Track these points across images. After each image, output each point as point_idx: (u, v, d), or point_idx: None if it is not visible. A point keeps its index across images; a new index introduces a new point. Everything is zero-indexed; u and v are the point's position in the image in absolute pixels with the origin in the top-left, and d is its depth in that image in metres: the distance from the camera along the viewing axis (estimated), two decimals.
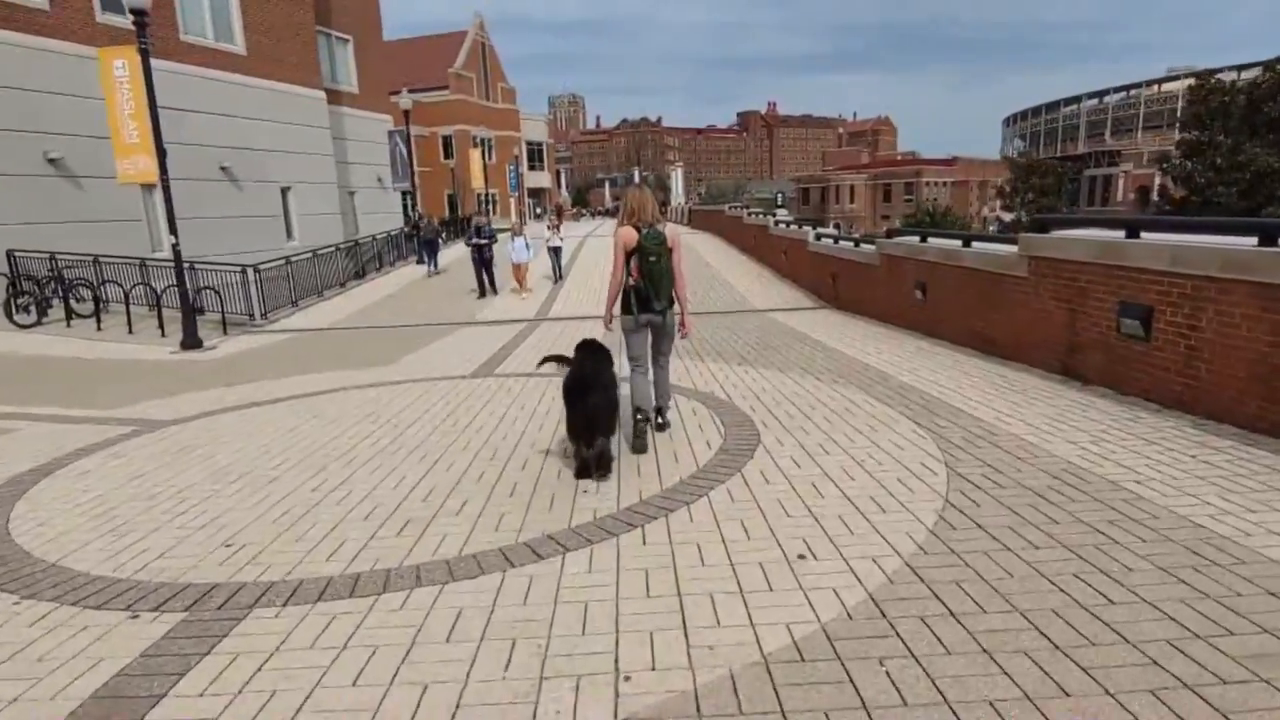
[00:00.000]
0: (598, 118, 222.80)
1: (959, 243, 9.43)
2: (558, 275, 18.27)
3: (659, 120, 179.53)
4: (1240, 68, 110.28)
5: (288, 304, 16.45)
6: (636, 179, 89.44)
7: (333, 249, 19.67)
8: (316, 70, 25.73)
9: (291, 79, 24.24)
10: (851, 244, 13.56)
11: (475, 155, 38.67)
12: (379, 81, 30.61)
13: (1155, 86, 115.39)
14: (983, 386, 6.70)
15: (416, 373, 9.05)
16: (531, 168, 65.12)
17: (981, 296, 8.51)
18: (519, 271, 16.74)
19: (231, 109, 21.67)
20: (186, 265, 15.13)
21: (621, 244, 5.08)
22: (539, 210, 63.91)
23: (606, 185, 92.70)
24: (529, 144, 64.77)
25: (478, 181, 38.24)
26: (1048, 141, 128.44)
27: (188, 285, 13.73)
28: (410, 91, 57.85)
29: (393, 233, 26.91)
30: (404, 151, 25.20)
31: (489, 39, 64.78)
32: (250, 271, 14.93)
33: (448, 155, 57.64)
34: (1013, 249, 8.03)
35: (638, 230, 5.02)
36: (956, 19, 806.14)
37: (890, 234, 11.88)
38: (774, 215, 21.11)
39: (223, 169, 21.38)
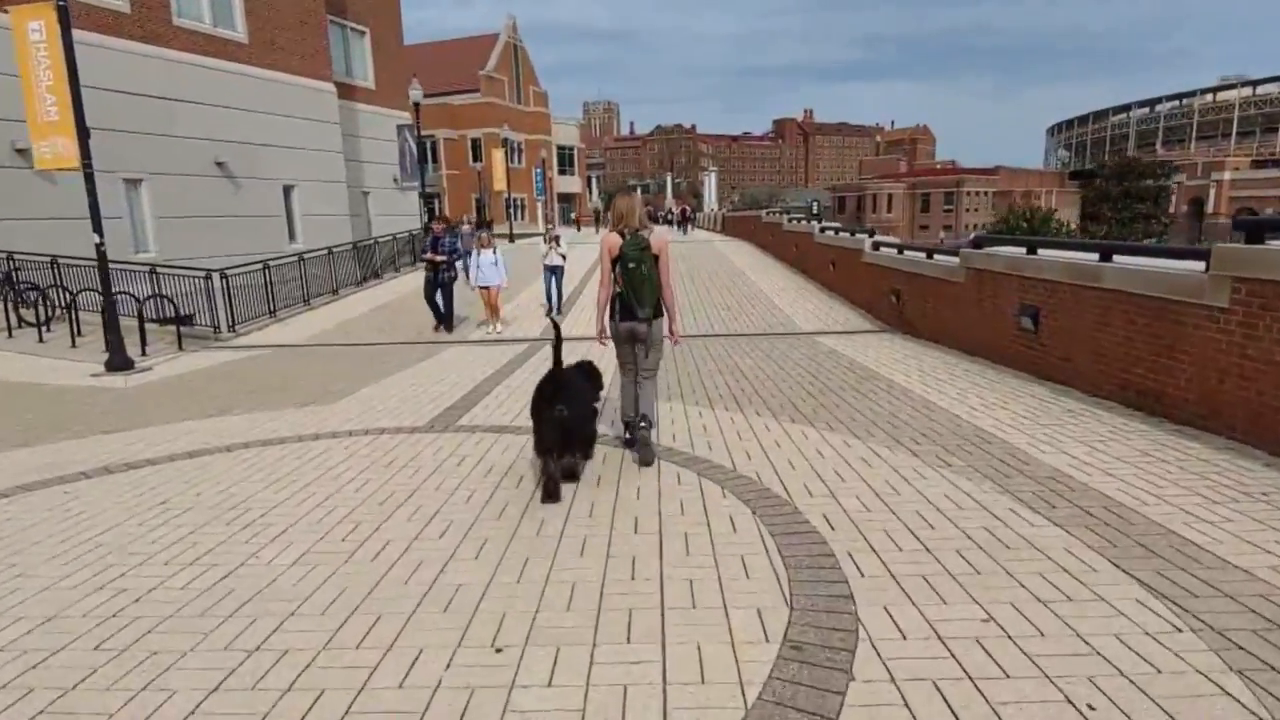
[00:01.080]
0: (631, 124, 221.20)
1: (1094, 256, 6.86)
2: (555, 305, 13.41)
3: (693, 127, 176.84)
4: None
5: (265, 314, 14.33)
6: (669, 186, 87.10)
7: (324, 252, 17.47)
8: (327, 62, 23.81)
9: (299, 70, 22.33)
10: (922, 255, 11.00)
11: (498, 156, 36.58)
12: (398, 77, 28.69)
13: (1210, 95, 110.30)
14: (1198, 488, 4.15)
15: (358, 418, 6.76)
16: (562, 172, 63.21)
17: (1142, 333, 5.94)
18: (489, 297, 12.33)
19: (230, 100, 19.77)
20: (146, 269, 13.24)
21: (607, 250, 4.86)
22: (572, 215, 62.00)
23: (638, 192, 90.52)
24: (560, 148, 62.87)
25: (500, 184, 36.14)
26: (1094, 151, 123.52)
27: (141, 294, 11.87)
28: (442, 95, 56.91)
29: (411, 234, 24.89)
30: (413, 148, 23.09)
31: (521, 41, 63.10)
32: (216, 278, 12.82)
33: (476, 158, 55.97)
34: (1196, 268, 5.47)
35: (622, 236, 4.82)
36: (990, 26, 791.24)
37: (979, 243, 9.32)
38: (817, 221, 18.55)
39: (218, 164, 19.47)
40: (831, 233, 16.08)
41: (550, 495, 4.30)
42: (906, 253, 11.67)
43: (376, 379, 8.63)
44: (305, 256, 16.72)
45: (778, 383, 7.78)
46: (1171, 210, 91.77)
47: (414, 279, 20.76)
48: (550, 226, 22.55)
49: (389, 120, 28.17)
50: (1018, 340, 7.87)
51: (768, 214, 24.37)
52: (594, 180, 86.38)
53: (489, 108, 55.11)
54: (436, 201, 57.64)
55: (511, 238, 31.40)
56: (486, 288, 12.22)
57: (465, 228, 21.06)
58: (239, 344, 12.35)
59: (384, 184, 28.18)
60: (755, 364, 8.89)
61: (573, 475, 4.58)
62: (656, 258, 4.85)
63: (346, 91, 26.12)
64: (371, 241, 22.15)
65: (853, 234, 14.77)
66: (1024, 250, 8.12)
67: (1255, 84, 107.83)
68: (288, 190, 22.01)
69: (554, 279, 13.30)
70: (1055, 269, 7.21)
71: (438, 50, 63.41)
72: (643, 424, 5.06)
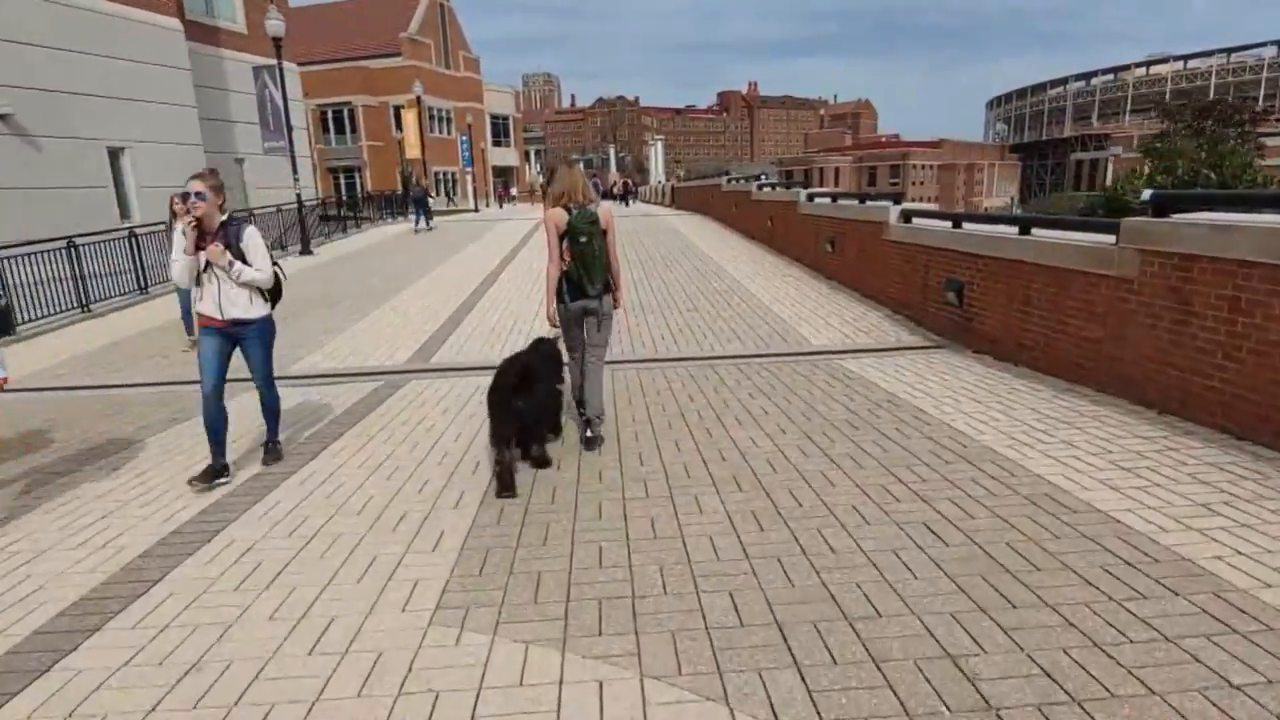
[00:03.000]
0: (573, 97, 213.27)
1: None
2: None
3: (636, 100, 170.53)
4: (1232, 50, 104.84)
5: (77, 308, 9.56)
6: (613, 159, 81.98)
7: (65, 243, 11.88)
8: None
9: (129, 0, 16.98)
10: (1007, 230, 6.86)
11: (410, 118, 31.30)
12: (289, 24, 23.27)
13: (1144, 69, 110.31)
14: None
15: None
16: (497, 144, 57.67)
17: None
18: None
19: (17, 32, 14.45)
20: None
21: (553, 225, 4.50)
22: (512, 190, 56.66)
23: (581, 166, 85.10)
24: (494, 117, 57.26)
25: (414, 150, 30.94)
26: (1032, 125, 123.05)
27: None
28: (360, 58, 50.65)
29: (303, 205, 19.82)
30: (277, 99, 17.95)
31: (449, 1, 56.93)
32: None
33: (400, 128, 50.07)
34: None
35: (568, 211, 4.45)
36: (926, 4, 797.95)
37: (1165, 205, 5.12)
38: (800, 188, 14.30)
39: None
40: (828, 201, 11.87)
41: (503, 491, 3.96)
42: (970, 227, 7.53)
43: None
44: (139, 232, 11.79)
45: (805, 471, 3.68)
46: (1107, 183, 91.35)
47: (302, 263, 15.92)
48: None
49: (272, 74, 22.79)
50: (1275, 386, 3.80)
51: (729, 181, 20.12)
52: (533, 154, 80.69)
53: (412, 71, 49.10)
54: (358, 175, 51.80)
55: (428, 215, 26.48)
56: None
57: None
58: None
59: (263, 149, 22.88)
60: (760, 411, 4.75)
61: (545, 463, 4.30)
62: (605, 232, 4.53)
63: (207, 35, 20.71)
64: (245, 215, 17.10)
65: (862, 201, 10.58)
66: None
67: (1185, 59, 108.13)
68: (115, 154, 16.73)
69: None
70: None
71: (356, 8, 56.80)
72: (589, 434, 4.69)
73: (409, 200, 25.44)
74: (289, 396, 5.60)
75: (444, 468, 4.46)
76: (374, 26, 51.91)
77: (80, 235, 11.93)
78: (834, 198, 11.93)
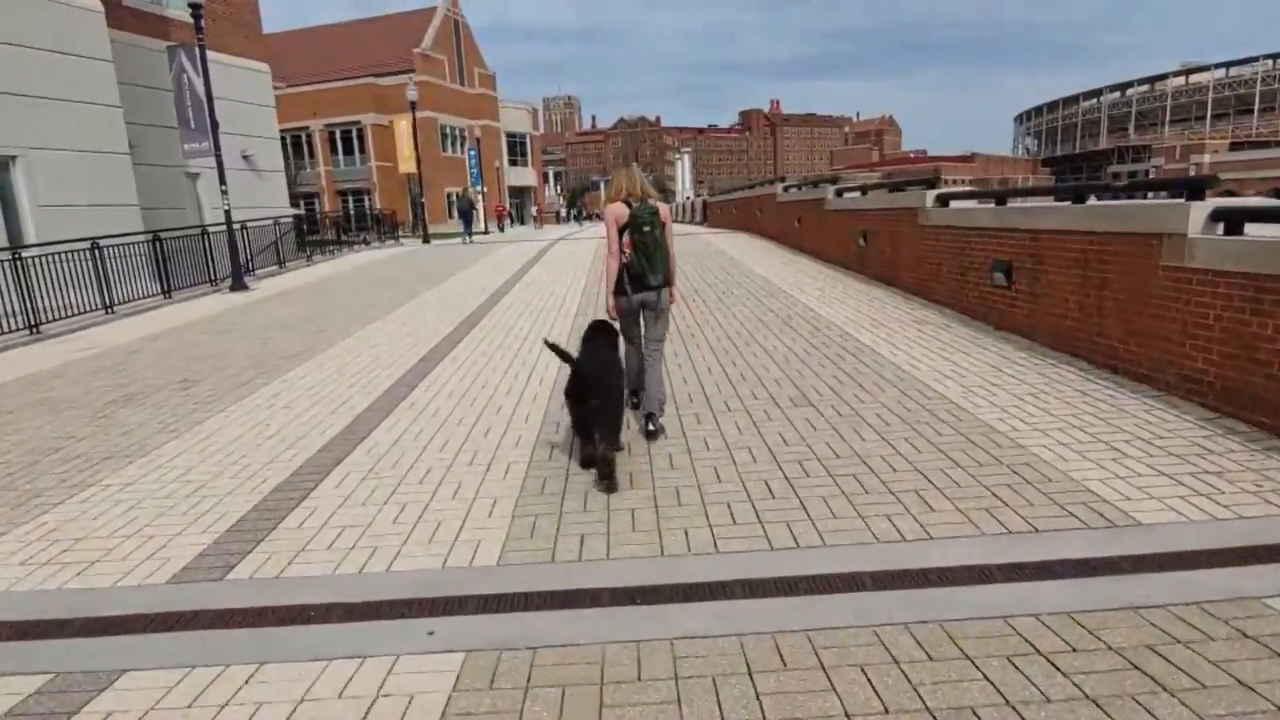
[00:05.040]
0: (593, 118, 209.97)
1: None
2: None
3: (657, 120, 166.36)
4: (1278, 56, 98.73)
5: None
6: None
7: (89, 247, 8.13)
8: None
9: None
10: None
11: (402, 127, 27.38)
12: (241, 11, 19.45)
13: (1183, 78, 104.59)
14: None
15: None
16: (513, 163, 53.92)
17: None
18: None
19: None
20: None
21: (613, 219, 4.44)
22: (534, 211, 52.82)
23: (602, 187, 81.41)
24: (510, 135, 53.58)
25: (408, 164, 26.98)
26: (1064, 138, 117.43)
27: None
28: (373, 75, 47.25)
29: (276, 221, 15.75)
30: (198, 87, 13.81)
31: (463, 17, 53.61)
32: None
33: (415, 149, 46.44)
34: None
35: (628, 205, 4.43)
36: (941, 20, 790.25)
37: None
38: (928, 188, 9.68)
39: None
40: (1020, 208, 7.26)
41: (587, 463, 3.94)
42: None
43: None
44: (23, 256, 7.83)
45: None
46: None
47: (216, 305, 11.70)
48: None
49: (230, 73, 18.92)
50: None
51: (787, 189, 15.65)
52: (552, 176, 77.12)
53: (424, 88, 45.62)
54: (366, 198, 48.21)
55: (426, 238, 22.40)
56: None
57: None
58: None
59: (231, 163, 18.92)
60: None
61: (608, 476, 3.81)
62: (665, 225, 4.51)
63: (150, 25, 16.88)
64: (196, 232, 12.97)
65: (1081, 200, 6.10)
66: None
67: (1228, 65, 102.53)
68: (7, 163, 12.78)
69: None
70: None
71: (369, 27, 53.71)
72: (651, 427, 4.53)
73: (459, 213, 27.65)
74: None
75: None
76: (387, 44, 48.64)
77: None
78: (998, 198, 7.40)
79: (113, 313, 10.68)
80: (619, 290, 4.47)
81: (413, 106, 23.99)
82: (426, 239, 24.48)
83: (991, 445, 4.06)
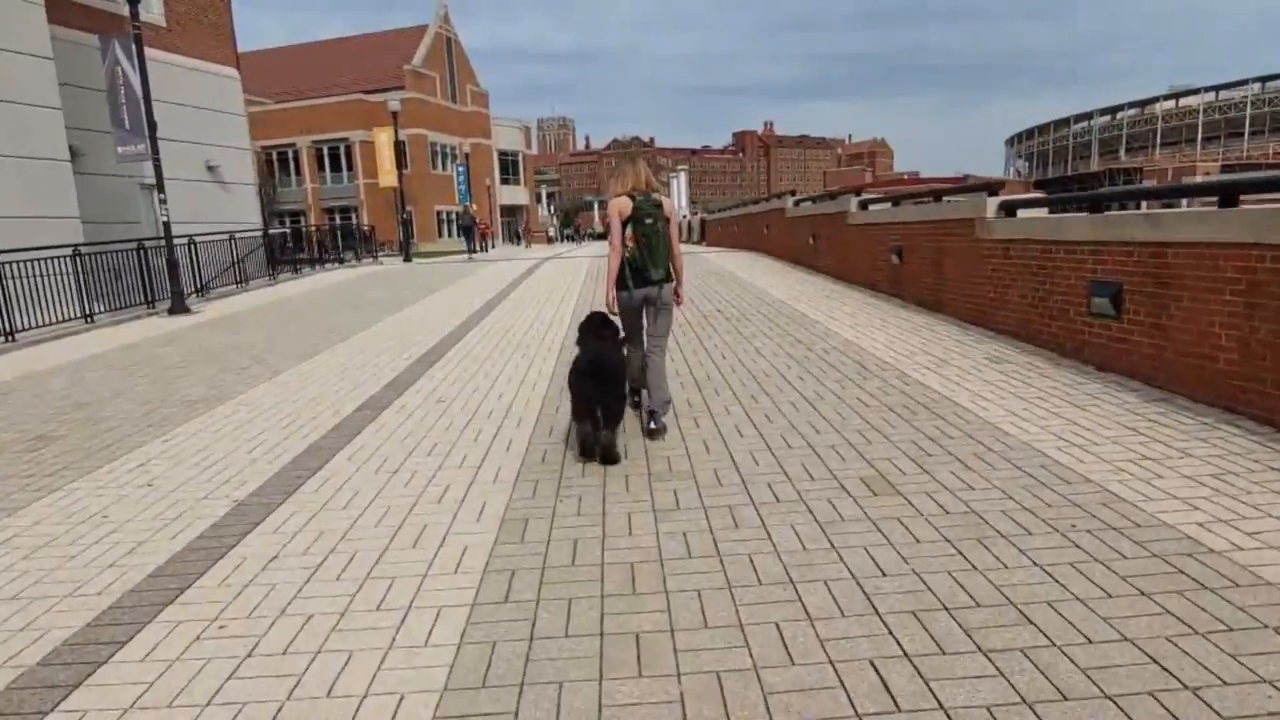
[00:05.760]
0: (587, 139, 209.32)
1: None
2: None
3: (651, 140, 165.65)
4: (1267, 79, 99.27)
5: None
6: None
7: None
8: None
9: None
10: None
11: (383, 139, 25.87)
12: (212, 12, 17.97)
13: (1173, 101, 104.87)
14: None
15: None
16: (505, 181, 52.62)
17: None
18: None
19: None
20: None
21: (617, 212, 4.30)
22: (520, 230, 51.38)
23: (596, 207, 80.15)
24: (502, 153, 52.32)
25: (388, 177, 25.47)
26: (1056, 160, 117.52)
27: None
28: (365, 92, 45.98)
29: (232, 236, 14.09)
30: (134, 82, 12.23)
31: (456, 34, 52.57)
32: None
33: (401, 165, 45.06)
34: None
35: (632, 197, 4.27)
36: (931, 47, 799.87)
37: None
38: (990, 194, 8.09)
39: None
40: (1072, 216, 5.76)
41: (586, 453, 4.00)
42: None
43: None
44: None
45: None
46: None
47: (154, 329, 10.06)
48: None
49: (196, 77, 17.41)
50: None
51: (798, 203, 14.13)
52: (544, 195, 75.95)
53: (414, 104, 44.37)
54: (354, 215, 46.62)
55: (408, 256, 20.87)
56: None
57: None
58: None
59: (191, 172, 17.38)
60: None
61: (612, 459, 3.90)
62: (668, 219, 4.35)
63: (104, 23, 15.40)
64: (131, 247, 11.34)
65: (1232, 201, 4.56)
66: None
67: (1218, 89, 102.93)
68: None
69: None
70: None
71: (361, 43, 52.56)
72: (653, 425, 4.33)
73: (459, 230, 28.46)
74: None
75: None
76: (378, 61, 47.43)
77: None
78: (1092, 204, 5.87)
79: (12, 340, 9.02)
80: (620, 284, 4.34)
81: (394, 118, 22.49)
82: (408, 257, 22.87)
83: (1227, 578, 2.48)
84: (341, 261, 21.36)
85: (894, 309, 8.43)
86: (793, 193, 15.07)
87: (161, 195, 11.04)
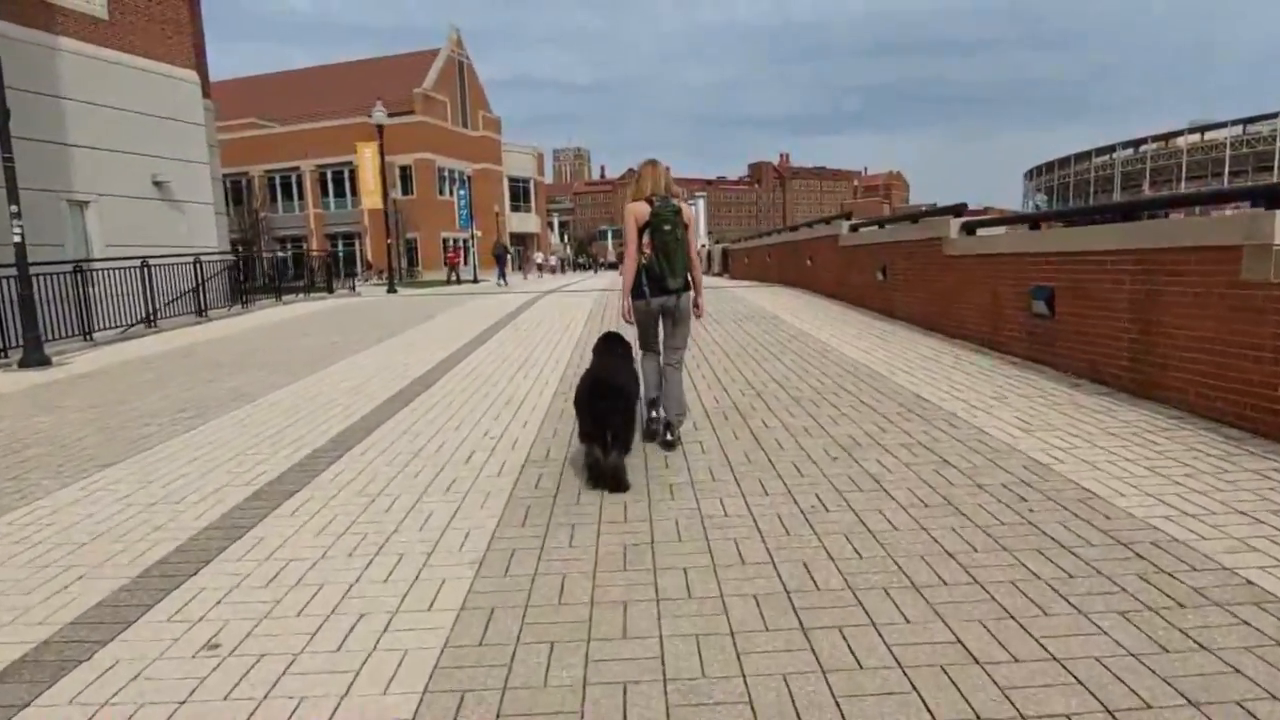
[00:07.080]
0: (602, 168, 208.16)
1: None
2: None
3: (668, 169, 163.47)
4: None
5: None
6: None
7: None
8: None
9: None
10: None
11: (367, 154, 23.32)
12: (167, 10, 15.50)
13: (1198, 135, 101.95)
14: None
15: None
16: (515, 208, 50.31)
17: None
18: None
19: None
20: None
21: (634, 219, 4.19)
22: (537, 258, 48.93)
23: (610, 237, 77.86)
24: (513, 180, 50.09)
25: (372, 197, 22.90)
26: (1077, 194, 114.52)
27: None
28: (367, 116, 43.99)
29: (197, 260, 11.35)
30: None
31: (468, 58, 50.78)
32: None
33: (406, 190, 42.90)
34: None
35: (650, 203, 4.16)
36: (947, 79, 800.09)
37: None
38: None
39: None
40: None
41: (594, 480, 3.64)
42: None
43: None
44: None
45: None
46: None
47: (128, 350, 7.02)
48: None
49: (144, 79, 14.88)
50: None
51: (854, 229, 11.23)
52: (557, 224, 73.75)
53: (422, 128, 42.36)
54: (358, 241, 44.32)
55: (392, 286, 18.12)
56: None
57: None
58: None
59: (135, 188, 14.77)
60: None
61: (620, 485, 3.56)
62: (687, 227, 4.23)
63: (32, 14, 12.93)
64: (74, 269, 8.48)
65: None
66: None
67: (1245, 122, 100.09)
68: None
69: None
70: None
71: (373, 66, 50.82)
72: (669, 436, 4.21)
73: (493, 257, 29.12)
74: None
75: None
76: (388, 84, 45.48)
77: None
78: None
79: None
80: (637, 293, 4.20)
81: (379, 131, 19.87)
82: (392, 288, 19.95)
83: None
84: (309, 291, 18.55)
85: (1048, 384, 5.41)
86: (848, 215, 12.20)
87: (14, 207, 8.29)
